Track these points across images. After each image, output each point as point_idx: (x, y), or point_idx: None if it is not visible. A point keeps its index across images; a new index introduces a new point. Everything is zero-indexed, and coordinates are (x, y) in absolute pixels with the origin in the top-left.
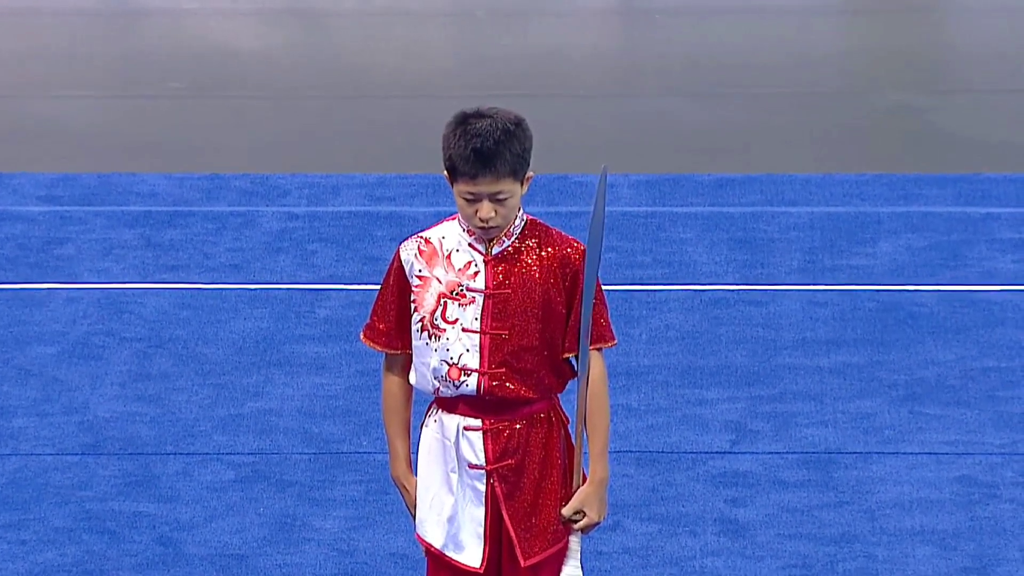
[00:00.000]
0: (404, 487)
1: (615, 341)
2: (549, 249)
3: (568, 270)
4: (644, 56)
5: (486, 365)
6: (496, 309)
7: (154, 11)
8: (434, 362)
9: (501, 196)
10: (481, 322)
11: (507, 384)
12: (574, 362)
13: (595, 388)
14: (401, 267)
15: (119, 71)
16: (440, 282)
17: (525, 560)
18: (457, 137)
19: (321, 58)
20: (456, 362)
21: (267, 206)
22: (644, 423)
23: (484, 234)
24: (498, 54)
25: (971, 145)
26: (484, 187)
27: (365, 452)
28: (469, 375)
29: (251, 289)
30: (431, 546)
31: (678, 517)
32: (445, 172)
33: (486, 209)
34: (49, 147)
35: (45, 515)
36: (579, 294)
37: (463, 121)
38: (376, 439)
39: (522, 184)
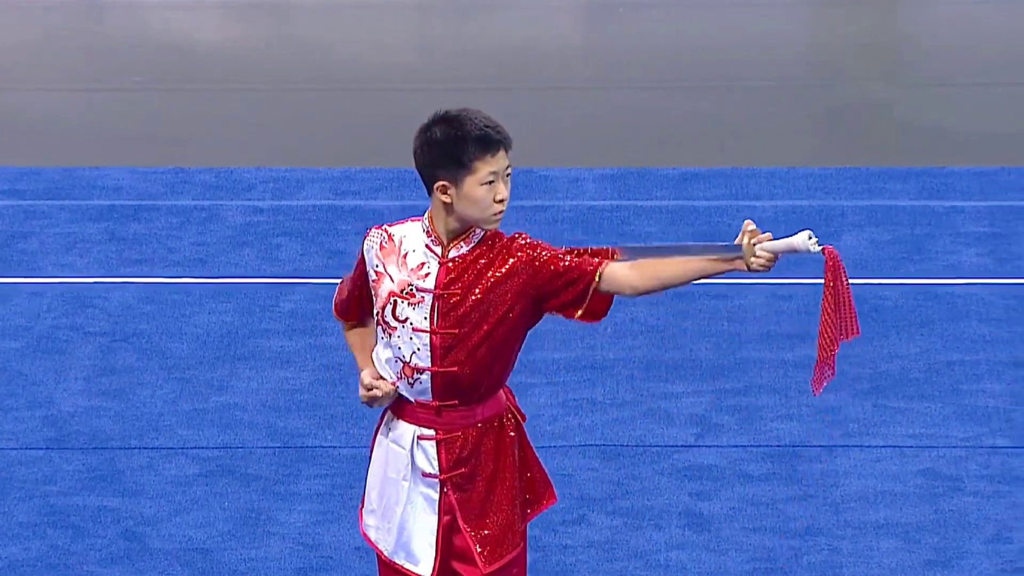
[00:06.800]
0: (365, 379)
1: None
2: (509, 259)
3: (538, 270)
4: (608, 50)
5: (438, 364)
6: (444, 309)
7: (118, 4)
8: (390, 359)
9: (509, 171)
10: (430, 322)
11: (459, 382)
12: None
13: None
14: (364, 254)
15: (83, 64)
16: (392, 280)
17: (486, 567)
18: (457, 129)
19: (285, 52)
20: (408, 360)
21: (231, 200)
22: (609, 417)
23: (496, 223)
24: (464, 48)
25: (935, 138)
26: (501, 162)
27: (330, 446)
28: (422, 372)
29: (215, 283)
30: (382, 553)
31: (643, 510)
32: (441, 183)
33: (503, 188)
34: (12, 141)
35: (9, 510)
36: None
37: (447, 118)
38: (341, 433)
39: None
